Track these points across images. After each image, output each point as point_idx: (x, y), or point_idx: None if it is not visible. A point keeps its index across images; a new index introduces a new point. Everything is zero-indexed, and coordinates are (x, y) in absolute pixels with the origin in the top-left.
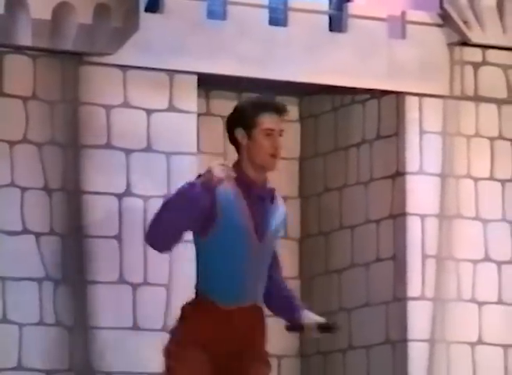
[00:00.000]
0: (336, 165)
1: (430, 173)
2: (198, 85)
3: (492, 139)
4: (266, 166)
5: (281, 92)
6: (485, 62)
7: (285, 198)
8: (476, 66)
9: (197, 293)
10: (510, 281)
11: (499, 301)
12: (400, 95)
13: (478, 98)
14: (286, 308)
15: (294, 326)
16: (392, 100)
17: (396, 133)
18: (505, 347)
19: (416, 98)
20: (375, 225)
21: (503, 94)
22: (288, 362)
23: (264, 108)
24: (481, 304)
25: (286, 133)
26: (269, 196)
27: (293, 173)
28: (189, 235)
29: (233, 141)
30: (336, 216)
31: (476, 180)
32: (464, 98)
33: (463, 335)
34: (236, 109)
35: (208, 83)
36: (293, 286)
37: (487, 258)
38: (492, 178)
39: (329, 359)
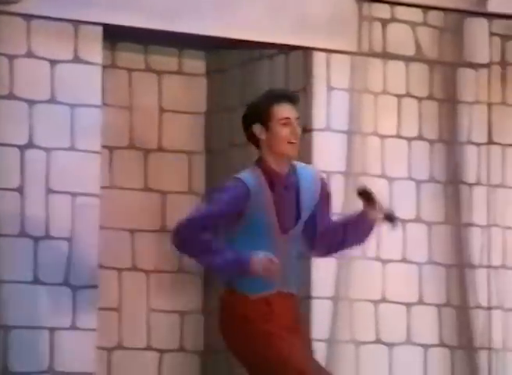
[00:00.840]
0: None
1: (337, 130)
2: (104, 37)
3: (399, 96)
4: (288, 154)
5: (188, 46)
6: (393, 19)
7: (190, 153)
8: (384, 22)
9: (228, 287)
10: (415, 239)
11: (403, 260)
12: (307, 51)
13: (385, 55)
14: (361, 222)
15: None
16: (300, 55)
17: (303, 89)
18: (408, 305)
19: (324, 54)
20: None
21: (410, 51)
22: (192, 318)
23: (277, 99)
24: (385, 262)
25: (192, 87)
26: (294, 183)
27: (199, 128)
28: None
29: (252, 138)
30: None
31: (382, 137)
32: (371, 54)
33: (366, 293)
34: (250, 107)
35: (114, 35)
36: None
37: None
38: (398, 136)
39: None
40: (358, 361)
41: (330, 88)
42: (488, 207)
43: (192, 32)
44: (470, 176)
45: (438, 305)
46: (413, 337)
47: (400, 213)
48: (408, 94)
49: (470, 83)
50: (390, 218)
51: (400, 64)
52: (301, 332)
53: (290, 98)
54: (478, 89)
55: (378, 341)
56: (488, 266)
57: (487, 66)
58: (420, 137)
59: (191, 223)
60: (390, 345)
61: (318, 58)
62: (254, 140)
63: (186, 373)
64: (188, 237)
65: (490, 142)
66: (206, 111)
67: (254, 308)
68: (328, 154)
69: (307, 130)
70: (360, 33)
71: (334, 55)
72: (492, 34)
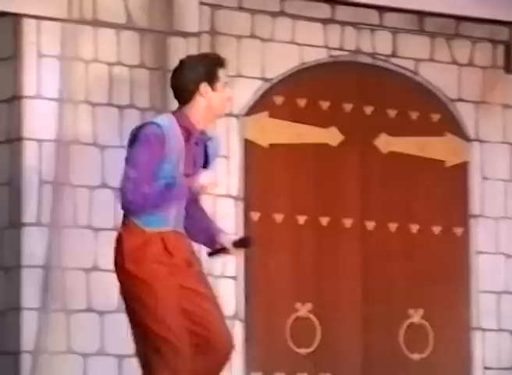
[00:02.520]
0: None
1: (48, 98)
2: None
3: (110, 64)
4: (222, 113)
5: None
6: None
7: None
8: None
9: (126, 221)
10: None
11: (115, 228)
12: (17, 17)
13: (96, 23)
14: (206, 235)
15: (216, 250)
16: (9, 21)
17: (13, 56)
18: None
19: (34, 21)
20: None
21: (121, 19)
22: None
23: (221, 64)
24: (96, 230)
25: None
26: (204, 140)
27: None
28: None
29: (190, 93)
30: None
31: (94, 105)
32: (82, 22)
33: (78, 261)
34: (195, 66)
35: None
36: None
37: (103, 185)
38: (110, 104)
39: None
40: (69, 329)
41: (40, 55)
42: None
43: None
44: None
45: None
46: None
47: (110, 182)
48: (119, 63)
49: (180, 51)
50: (242, 244)
51: (111, 32)
52: (197, 266)
53: (224, 63)
54: None
55: (89, 310)
56: None
57: (197, 34)
58: (131, 106)
59: (135, 186)
60: (101, 313)
61: (28, 25)
62: (190, 95)
63: None
64: (139, 199)
65: None
66: None
67: (149, 242)
68: (38, 121)
69: (16, 97)
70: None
71: (44, 22)
72: (201, 3)
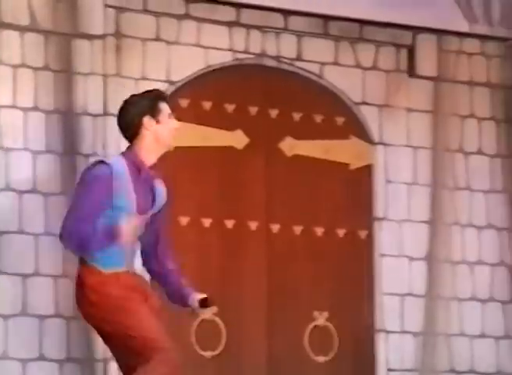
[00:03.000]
0: None
1: None
2: None
3: (14, 67)
4: (170, 144)
5: None
6: None
7: None
8: None
9: (83, 262)
10: (32, 210)
11: (20, 231)
12: None
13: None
14: (179, 297)
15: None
16: None
17: None
18: (24, 276)
19: None
20: None
21: (25, 21)
22: None
23: (162, 98)
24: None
25: None
26: (152, 178)
27: None
28: None
29: (135, 129)
30: None
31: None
32: None
33: None
34: (136, 102)
35: None
36: None
37: (7, 188)
38: (14, 106)
39: None
40: None
41: None
42: None
43: None
44: (86, 147)
45: (54, 276)
46: (29, 309)
47: (16, 185)
48: (24, 65)
49: (85, 54)
50: (203, 304)
51: (15, 34)
52: (152, 300)
53: (167, 97)
54: (93, 60)
55: None
56: None
57: (102, 37)
58: (36, 108)
59: (77, 224)
60: (6, 317)
61: None
62: (135, 130)
63: None
64: (84, 237)
65: (106, 113)
66: None
67: (107, 282)
68: None
69: None
70: None
71: None
72: (106, 6)
